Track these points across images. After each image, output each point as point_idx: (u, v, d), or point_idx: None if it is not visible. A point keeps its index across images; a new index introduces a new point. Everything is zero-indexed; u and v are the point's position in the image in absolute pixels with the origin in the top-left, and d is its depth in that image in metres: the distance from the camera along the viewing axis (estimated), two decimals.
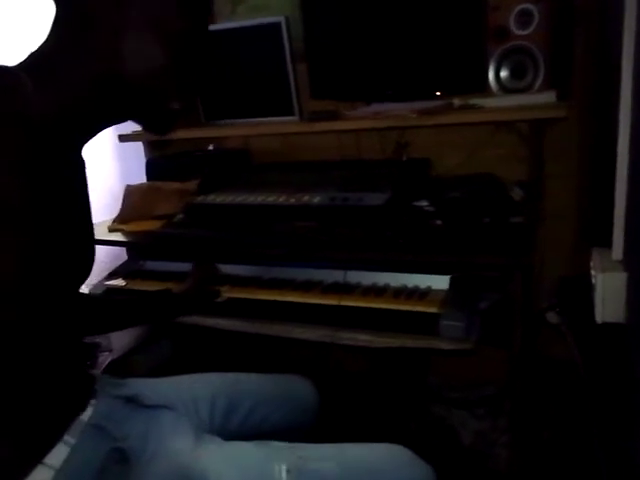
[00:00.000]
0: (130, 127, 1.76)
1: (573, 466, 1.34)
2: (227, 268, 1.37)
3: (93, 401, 0.80)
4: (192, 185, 1.58)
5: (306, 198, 1.37)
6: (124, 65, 0.69)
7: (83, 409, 0.77)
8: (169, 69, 0.72)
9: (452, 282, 1.17)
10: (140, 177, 1.74)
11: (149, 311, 1.16)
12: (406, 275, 1.24)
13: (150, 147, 1.84)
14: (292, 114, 1.59)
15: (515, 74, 1.33)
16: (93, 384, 0.83)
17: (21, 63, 0.69)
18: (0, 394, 0.67)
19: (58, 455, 0.71)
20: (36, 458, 0.70)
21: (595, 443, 1.13)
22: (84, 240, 0.78)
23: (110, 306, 1.11)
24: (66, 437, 0.73)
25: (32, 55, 0.70)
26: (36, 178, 0.65)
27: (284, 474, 0.76)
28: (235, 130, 1.71)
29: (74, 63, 0.68)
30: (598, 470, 1.14)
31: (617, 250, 0.93)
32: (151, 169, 1.72)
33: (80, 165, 0.78)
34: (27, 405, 0.71)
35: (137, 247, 1.60)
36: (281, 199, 1.40)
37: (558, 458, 1.39)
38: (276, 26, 1.50)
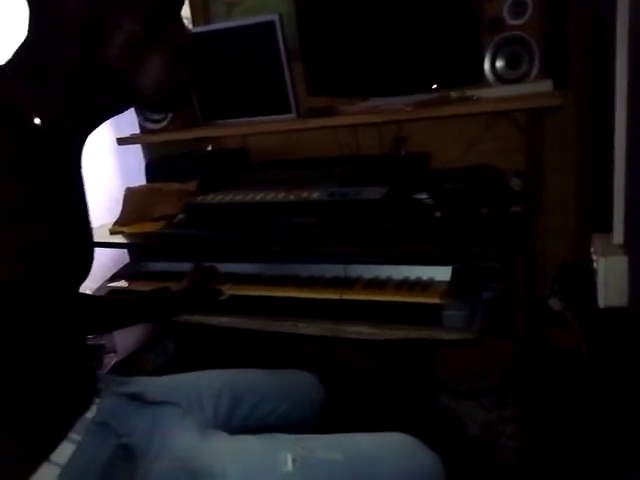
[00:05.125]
0: (129, 130, 1.77)
1: (580, 456, 1.34)
2: (228, 266, 1.36)
3: (97, 399, 0.80)
4: (192, 185, 1.58)
5: (305, 194, 1.37)
6: (106, 51, 0.67)
7: (87, 408, 0.77)
8: (146, 37, 0.68)
9: (454, 273, 1.17)
10: (140, 179, 1.74)
11: (148, 309, 1.16)
12: (408, 267, 1.23)
13: (149, 149, 1.84)
14: (289, 112, 1.59)
15: (511, 64, 1.33)
16: (97, 383, 0.83)
17: (9, 63, 0.69)
18: (6, 392, 0.67)
19: (64, 452, 0.71)
20: (42, 456, 0.70)
21: (602, 432, 1.12)
22: (83, 239, 0.79)
23: (110, 305, 1.12)
24: (71, 435, 0.73)
25: (18, 54, 0.69)
26: (32, 178, 0.65)
27: (290, 464, 0.76)
28: (233, 129, 1.71)
29: (59, 61, 0.68)
30: (606, 460, 1.14)
31: (617, 234, 0.94)
32: (150, 171, 1.72)
33: (78, 165, 0.78)
34: (32, 403, 0.71)
35: (139, 248, 1.60)
36: (280, 196, 1.40)
37: (565, 448, 1.39)
38: (270, 24, 1.51)
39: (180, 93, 0.75)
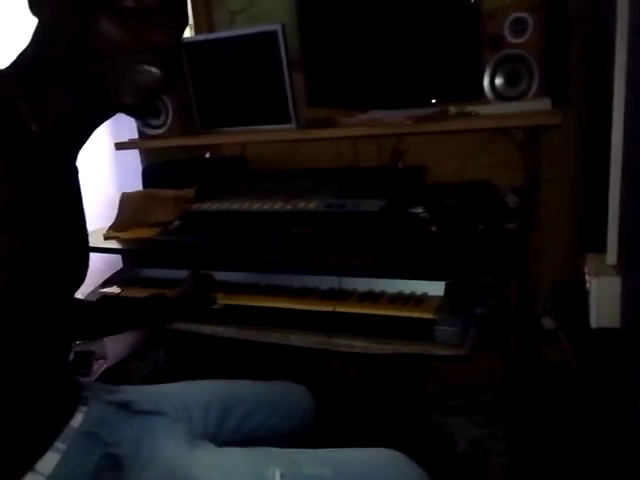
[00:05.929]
0: (127, 135, 1.77)
1: (570, 474, 1.33)
2: (223, 275, 1.36)
3: (84, 408, 0.79)
4: (189, 192, 1.58)
5: (302, 205, 1.37)
6: (80, 50, 0.65)
7: (72, 415, 0.76)
8: (130, 40, 0.65)
9: (447, 288, 1.17)
10: (137, 185, 1.74)
11: (142, 315, 1.16)
12: (402, 281, 1.23)
13: (146, 154, 1.84)
14: (289, 122, 1.59)
15: (510, 81, 1.34)
16: (83, 390, 0.82)
17: (11, 68, 0.69)
18: None
19: (49, 462, 0.71)
20: (26, 465, 0.69)
21: (591, 451, 1.12)
22: (78, 246, 0.78)
23: (103, 310, 1.11)
24: (57, 444, 0.73)
25: (17, 63, 0.69)
26: (30, 181, 0.65)
27: (278, 478, 0.75)
28: (232, 138, 1.72)
29: (54, 68, 0.68)
30: (595, 478, 1.13)
31: (611, 255, 0.93)
32: (147, 176, 1.72)
33: (74, 171, 0.78)
34: (17, 411, 0.70)
35: (133, 254, 1.59)
36: (277, 206, 1.40)
37: (555, 466, 1.38)
38: (272, 34, 1.51)
39: (146, 98, 0.70)
